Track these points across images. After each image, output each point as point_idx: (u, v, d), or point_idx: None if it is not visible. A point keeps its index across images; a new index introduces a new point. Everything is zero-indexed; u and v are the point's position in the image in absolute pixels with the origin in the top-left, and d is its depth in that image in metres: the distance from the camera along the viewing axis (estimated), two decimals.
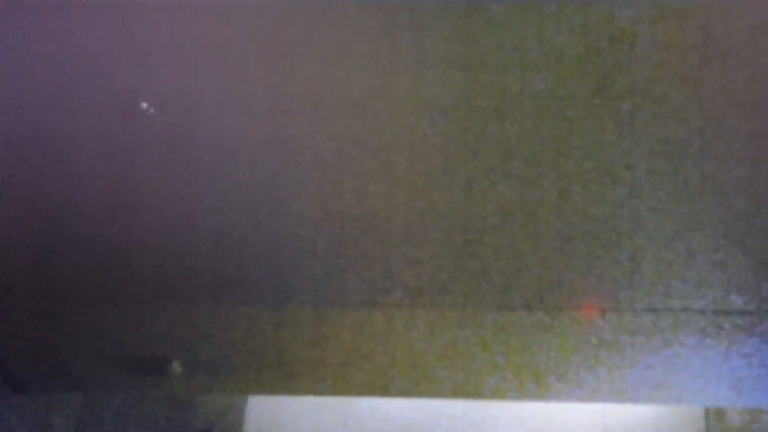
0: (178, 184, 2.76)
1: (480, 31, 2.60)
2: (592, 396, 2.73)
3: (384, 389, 2.80)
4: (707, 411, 3.38)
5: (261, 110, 2.72)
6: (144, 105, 2.77)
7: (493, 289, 2.66)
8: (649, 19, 2.52)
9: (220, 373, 2.84)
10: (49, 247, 2.82)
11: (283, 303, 2.76)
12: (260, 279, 2.74)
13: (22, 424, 3.07)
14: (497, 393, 2.76)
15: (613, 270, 2.62)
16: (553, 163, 2.61)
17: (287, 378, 2.83)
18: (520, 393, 2.75)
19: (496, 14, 2.58)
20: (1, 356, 2.95)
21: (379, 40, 2.65)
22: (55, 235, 2.81)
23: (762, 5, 2.49)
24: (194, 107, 2.75)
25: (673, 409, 3.43)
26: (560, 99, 2.60)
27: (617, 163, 2.59)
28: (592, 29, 2.56)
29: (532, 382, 2.73)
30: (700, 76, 2.54)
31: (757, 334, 2.59)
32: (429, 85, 2.64)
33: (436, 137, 2.65)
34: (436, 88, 2.64)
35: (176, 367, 2.83)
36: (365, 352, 2.76)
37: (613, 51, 2.55)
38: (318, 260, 2.71)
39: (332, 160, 2.70)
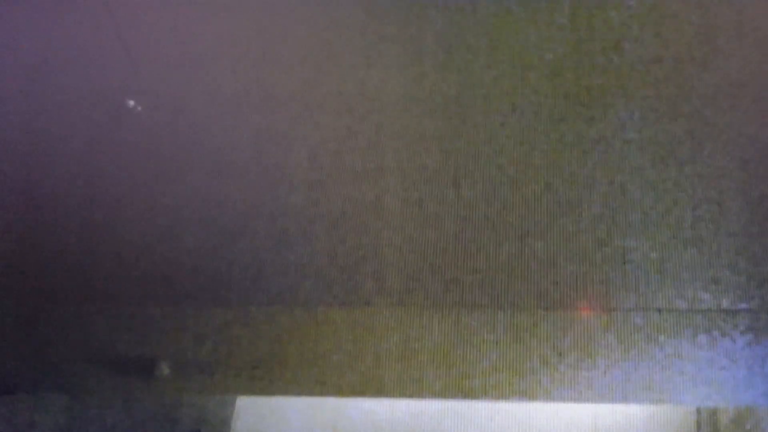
0: (168, 183, 2.74)
1: (476, 31, 2.60)
2: (584, 396, 2.72)
3: (374, 390, 2.78)
4: (699, 411, 3.39)
5: (252, 108, 2.71)
6: (131, 103, 2.75)
7: (487, 289, 2.65)
8: (643, 19, 2.53)
9: (208, 374, 2.82)
10: (35, 247, 2.80)
11: (271, 303, 2.74)
12: (249, 279, 2.73)
13: (7, 425, 3.04)
14: (489, 393, 2.75)
15: (606, 270, 2.61)
16: (547, 163, 2.61)
17: (276, 379, 2.81)
18: (512, 393, 2.74)
19: (492, 14, 2.58)
20: None
21: (373, 37, 2.65)
22: (42, 235, 2.79)
23: (756, 5, 2.50)
24: (183, 105, 2.73)
25: (665, 410, 3.43)
26: (554, 98, 2.60)
27: (614, 162, 2.59)
28: (585, 29, 2.57)
29: (524, 382, 2.72)
30: (693, 76, 2.55)
31: (750, 334, 2.59)
32: (423, 83, 2.64)
33: (432, 136, 2.65)
34: (430, 87, 2.64)
35: (164, 368, 2.81)
36: (356, 353, 2.75)
37: (606, 51, 2.56)
38: (308, 260, 2.70)
39: (325, 159, 2.69)
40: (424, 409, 3.52)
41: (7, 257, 2.80)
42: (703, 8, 2.54)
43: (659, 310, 2.62)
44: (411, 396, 2.77)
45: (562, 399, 2.74)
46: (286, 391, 2.83)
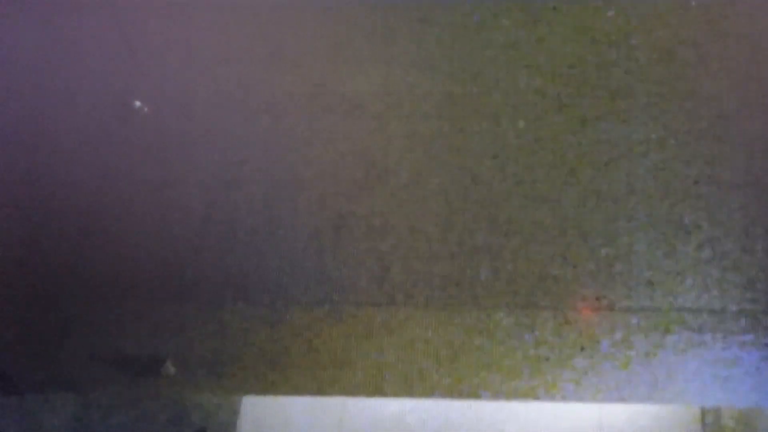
0: (173, 183, 2.75)
1: (476, 32, 2.60)
2: (589, 396, 2.72)
3: (379, 389, 2.78)
4: (703, 411, 3.38)
5: (256, 109, 2.71)
6: (138, 103, 2.75)
7: (489, 289, 2.65)
8: (645, 18, 2.52)
9: (214, 373, 2.82)
10: (41, 246, 2.80)
11: (277, 303, 2.74)
12: (254, 279, 2.73)
13: (15, 425, 3.05)
14: (493, 393, 2.75)
15: (609, 270, 2.61)
16: (548, 163, 2.61)
17: (282, 378, 2.81)
18: (516, 393, 2.74)
19: (492, 15, 2.58)
20: None
21: (376, 40, 2.64)
22: (48, 234, 2.80)
23: (758, 6, 2.49)
24: (189, 106, 2.74)
25: (669, 409, 3.42)
26: (556, 98, 2.60)
27: (614, 163, 2.59)
28: (586, 29, 2.56)
29: (528, 382, 2.72)
30: (699, 75, 2.54)
31: (754, 334, 2.59)
32: (426, 84, 2.64)
33: (434, 136, 2.65)
34: (433, 88, 2.64)
35: (170, 367, 2.82)
36: (360, 352, 2.75)
37: (608, 50, 2.56)
38: (313, 260, 2.70)
39: (329, 160, 2.69)
40: (430, 408, 3.52)
41: (15, 257, 2.81)
42: (711, 12, 2.54)
43: (663, 310, 2.61)
44: (416, 396, 2.77)
45: (567, 399, 2.74)
46: (291, 390, 2.84)
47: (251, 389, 2.91)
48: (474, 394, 2.76)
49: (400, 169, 2.68)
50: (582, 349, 2.67)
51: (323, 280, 2.71)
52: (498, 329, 2.68)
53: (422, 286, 2.67)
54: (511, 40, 2.59)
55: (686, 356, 2.64)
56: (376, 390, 2.80)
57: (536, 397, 2.75)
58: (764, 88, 2.53)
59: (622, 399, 2.71)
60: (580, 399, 2.74)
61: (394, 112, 2.68)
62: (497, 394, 2.76)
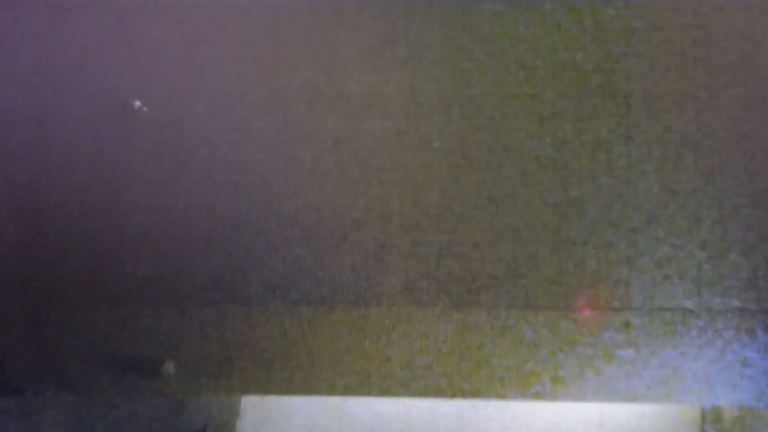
0: (173, 184, 2.75)
1: (477, 31, 2.60)
2: (588, 396, 2.72)
3: (379, 389, 2.79)
4: (703, 411, 3.38)
5: (256, 109, 2.71)
6: (137, 103, 2.76)
7: (490, 288, 2.66)
8: (647, 16, 2.53)
9: (213, 373, 2.83)
10: (42, 247, 2.81)
11: (277, 303, 2.75)
12: (254, 279, 2.73)
13: (12, 425, 3.05)
14: (493, 393, 2.75)
15: (609, 269, 2.61)
16: (549, 162, 2.62)
17: (281, 378, 2.81)
18: (516, 393, 2.74)
19: (493, 13, 2.59)
20: None
21: (375, 39, 2.65)
22: (49, 235, 2.80)
23: (760, 3, 2.50)
24: (188, 106, 2.74)
25: (669, 409, 3.42)
26: (557, 97, 2.60)
27: (615, 162, 2.59)
28: (589, 27, 2.57)
29: (528, 382, 2.72)
30: (698, 73, 2.55)
31: (754, 334, 2.59)
32: (425, 84, 2.65)
33: (434, 136, 2.65)
34: (432, 88, 2.65)
35: (169, 367, 2.82)
36: (360, 352, 2.75)
37: (610, 48, 2.56)
38: (312, 259, 2.70)
39: (328, 159, 2.69)
40: (430, 408, 3.53)
41: (14, 257, 2.82)
42: (710, 12, 2.55)
43: (664, 310, 2.62)
44: (417, 396, 2.77)
45: (568, 399, 2.74)
46: (291, 390, 2.84)
47: (251, 389, 2.91)
48: (474, 394, 2.77)
49: (397, 169, 2.68)
50: (582, 349, 2.67)
51: (323, 280, 2.71)
52: (498, 329, 2.68)
53: (424, 286, 2.67)
54: (511, 40, 2.60)
55: (686, 356, 2.64)
56: (376, 390, 2.80)
57: (536, 397, 2.76)
58: (765, 88, 2.53)
59: (622, 399, 2.72)
60: (580, 399, 2.74)
61: (391, 113, 2.68)
62: (497, 394, 2.76)
